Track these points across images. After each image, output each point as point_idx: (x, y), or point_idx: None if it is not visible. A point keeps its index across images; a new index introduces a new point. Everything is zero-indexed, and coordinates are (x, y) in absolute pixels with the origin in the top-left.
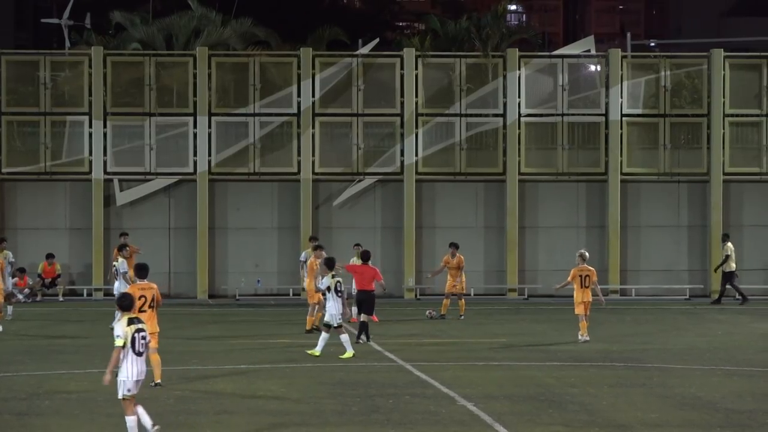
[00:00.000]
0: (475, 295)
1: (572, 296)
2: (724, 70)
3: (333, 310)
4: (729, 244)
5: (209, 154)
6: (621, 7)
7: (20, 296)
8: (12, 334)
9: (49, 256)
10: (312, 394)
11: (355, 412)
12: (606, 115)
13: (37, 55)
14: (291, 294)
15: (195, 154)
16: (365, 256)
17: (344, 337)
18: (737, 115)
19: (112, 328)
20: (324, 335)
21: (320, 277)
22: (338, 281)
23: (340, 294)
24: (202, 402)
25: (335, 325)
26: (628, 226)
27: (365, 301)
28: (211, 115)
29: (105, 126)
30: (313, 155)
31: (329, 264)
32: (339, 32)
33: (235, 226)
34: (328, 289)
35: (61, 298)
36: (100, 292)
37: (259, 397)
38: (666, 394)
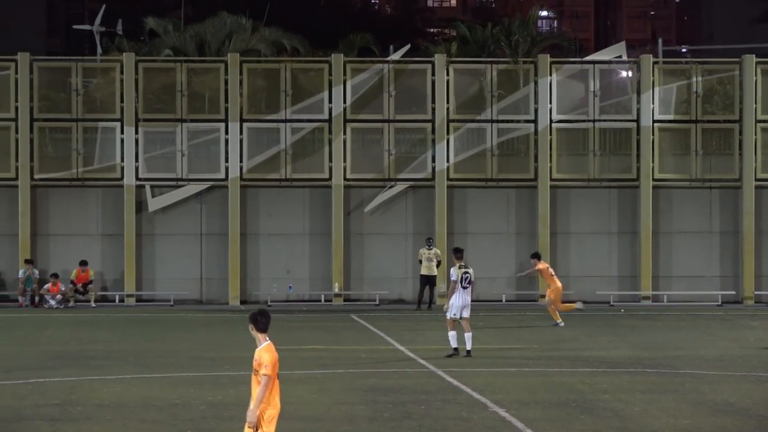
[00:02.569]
0: (506, 301)
1: (604, 302)
2: (756, 75)
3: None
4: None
5: (241, 160)
6: (652, 13)
7: (53, 302)
8: (44, 340)
9: (83, 263)
10: (344, 400)
11: (387, 418)
12: (638, 121)
13: (69, 62)
14: (323, 300)
15: (226, 160)
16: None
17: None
18: None
19: None
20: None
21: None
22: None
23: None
24: (234, 408)
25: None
26: (660, 232)
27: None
28: (242, 121)
29: (137, 132)
30: (345, 161)
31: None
32: (369, 39)
33: (266, 232)
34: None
35: (93, 304)
36: (132, 298)
37: (291, 403)
38: (698, 400)
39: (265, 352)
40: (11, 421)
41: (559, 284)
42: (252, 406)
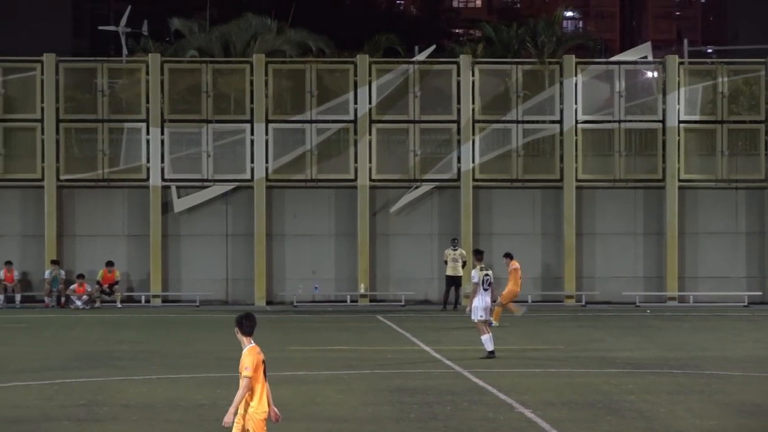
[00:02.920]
0: (532, 302)
1: (630, 303)
2: None
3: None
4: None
5: (266, 161)
6: (678, 13)
7: (79, 303)
8: (71, 341)
9: (109, 264)
10: (370, 400)
11: (413, 418)
12: (663, 121)
13: (94, 63)
14: (348, 301)
15: (252, 161)
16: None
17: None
18: None
19: None
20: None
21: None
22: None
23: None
24: None
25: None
26: (686, 232)
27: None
28: (268, 122)
29: (162, 133)
30: (370, 162)
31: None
32: (394, 39)
33: (292, 232)
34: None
35: (119, 305)
36: (158, 298)
37: (318, 404)
38: (725, 401)
39: (247, 354)
40: (38, 422)
41: (518, 289)
42: (231, 408)
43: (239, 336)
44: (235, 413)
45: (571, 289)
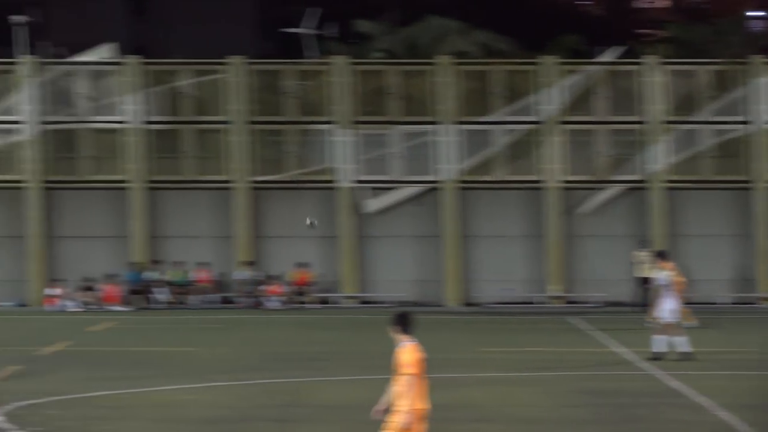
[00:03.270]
0: (725, 303)
1: None
2: None
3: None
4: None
5: (455, 162)
6: None
7: (273, 303)
8: (266, 341)
9: (302, 265)
10: (566, 402)
11: (609, 421)
12: None
13: (282, 65)
14: (540, 302)
15: (441, 162)
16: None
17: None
18: None
19: None
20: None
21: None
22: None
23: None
24: (458, 410)
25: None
26: None
27: None
28: (455, 123)
29: (351, 134)
30: (558, 163)
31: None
32: (578, 40)
33: (482, 233)
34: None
35: (313, 306)
36: (350, 299)
37: (512, 405)
38: None
39: (407, 352)
40: (235, 422)
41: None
42: (404, 408)
43: (396, 335)
44: (412, 411)
45: (766, 290)
